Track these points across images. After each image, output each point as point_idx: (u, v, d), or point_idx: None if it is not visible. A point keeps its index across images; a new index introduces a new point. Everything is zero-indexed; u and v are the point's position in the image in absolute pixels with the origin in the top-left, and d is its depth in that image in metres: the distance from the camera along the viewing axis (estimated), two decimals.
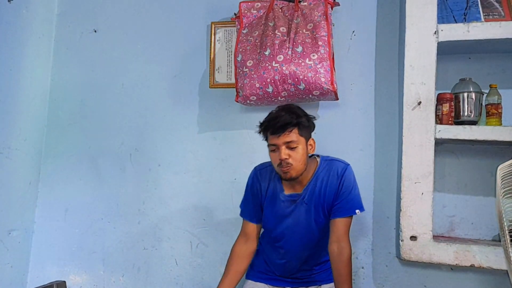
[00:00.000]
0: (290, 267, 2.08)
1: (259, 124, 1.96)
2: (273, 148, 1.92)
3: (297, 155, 1.90)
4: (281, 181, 2.04)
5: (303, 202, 1.99)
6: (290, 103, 2.02)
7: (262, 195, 2.08)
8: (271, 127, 1.90)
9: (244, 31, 2.42)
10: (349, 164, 2.02)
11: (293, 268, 2.08)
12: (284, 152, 1.89)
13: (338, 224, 1.93)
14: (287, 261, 2.07)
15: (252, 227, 2.11)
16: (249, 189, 2.14)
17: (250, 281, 2.14)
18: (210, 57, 2.61)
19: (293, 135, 1.89)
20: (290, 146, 1.89)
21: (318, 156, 2.09)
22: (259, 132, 1.97)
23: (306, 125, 1.93)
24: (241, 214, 2.16)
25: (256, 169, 2.15)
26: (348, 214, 1.94)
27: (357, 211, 1.95)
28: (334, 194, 1.96)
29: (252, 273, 2.16)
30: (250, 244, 2.10)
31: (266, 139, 1.96)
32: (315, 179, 2.00)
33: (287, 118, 1.88)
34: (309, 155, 2.02)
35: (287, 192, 2.03)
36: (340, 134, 2.43)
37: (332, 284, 1.95)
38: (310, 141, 1.99)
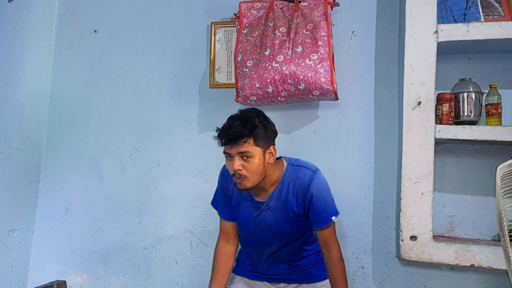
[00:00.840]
0: (268, 265, 2.06)
1: (216, 129, 1.87)
2: (227, 156, 1.85)
3: (251, 166, 1.81)
4: None
5: (268, 208, 1.94)
6: (251, 108, 1.93)
7: (229, 195, 2.04)
8: (223, 137, 1.81)
9: (244, 31, 2.42)
10: (317, 170, 1.93)
11: (271, 266, 2.06)
12: (238, 163, 1.80)
13: (321, 233, 1.90)
14: (263, 259, 2.05)
15: (230, 225, 2.08)
16: (219, 188, 2.09)
17: (238, 276, 2.14)
18: (210, 57, 2.62)
19: (246, 146, 1.79)
20: (244, 156, 1.80)
21: (284, 159, 2.01)
22: (216, 138, 1.86)
23: (261, 135, 1.82)
24: (219, 214, 2.11)
25: (224, 168, 2.06)
26: (326, 225, 1.88)
27: (333, 218, 1.89)
28: (302, 203, 1.90)
29: (239, 268, 2.16)
30: (232, 242, 2.09)
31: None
32: (280, 186, 1.93)
33: (239, 129, 1.79)
34: (276, 157, 1.95)
35: (252, 196, 1.98)
36: (340, 134, 2.43)
37: (327, 281, 1.96)
38: (271, 149, 1.88)
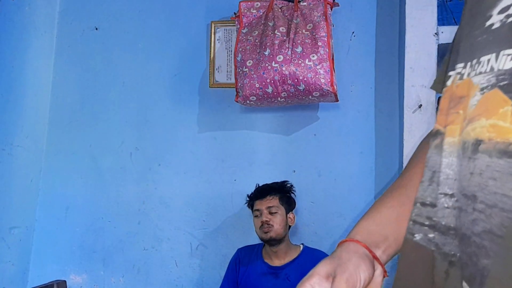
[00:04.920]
0: None
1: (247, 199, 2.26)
2: (257, 214, 2.17)
3: (276, 219, 2.13)
4: (263, 256, 2.20)
5: (286, 278, 2.08)
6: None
7: (243, 268, 2.21)
8: (256, 193, 2.21)
9: (244, 31, 2.39)
10: None
11: None
12: (266, 215, 2.13)
13: None
14: None
15: None
16: (228, 270, 2.28)
17: None
18: (210, 56, 2.60)
19: (274, 201, 2.15)
20: (271, 211, 2.13)
21: (302, 244, 2.25)
22: (248, 205, 2.26)
23: (286, 198, 2.21)
24: None
25: (239, 248, 2.32)
26: None
27: None
28: None
29: None
30: None
31: (252, 208, 2.21)
32: (298, 259, 2.14)
33: (270, 185, 2.21)
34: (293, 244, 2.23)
35: (268, 263, 2.18)
36: (340, 136, 2.40)
37: None
38: (290, 215, 2.20)
